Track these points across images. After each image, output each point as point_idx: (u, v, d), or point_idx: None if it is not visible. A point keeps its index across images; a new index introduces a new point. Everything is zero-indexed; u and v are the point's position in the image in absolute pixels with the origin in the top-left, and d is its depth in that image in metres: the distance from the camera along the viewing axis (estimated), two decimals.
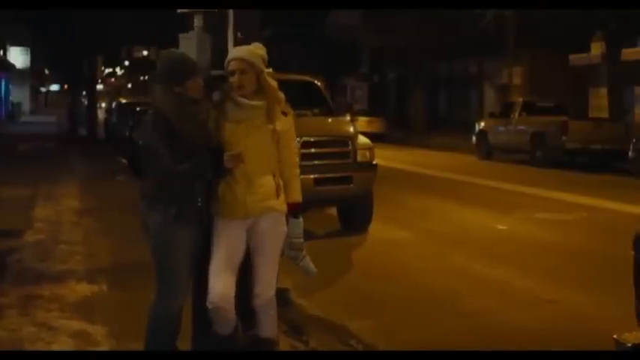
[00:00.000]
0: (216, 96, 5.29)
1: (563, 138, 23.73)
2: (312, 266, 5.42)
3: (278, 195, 5.21)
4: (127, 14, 34.35)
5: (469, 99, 42.65)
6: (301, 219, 5.35)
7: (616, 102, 27.55)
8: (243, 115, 5.17)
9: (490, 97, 40.44)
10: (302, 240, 5.35)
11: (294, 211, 5.30)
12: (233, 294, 5.14)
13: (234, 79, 5.17)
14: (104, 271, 8.64)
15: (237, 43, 7.80)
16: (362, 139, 11.70)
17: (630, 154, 21.45)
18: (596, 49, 31.23)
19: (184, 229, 5.09)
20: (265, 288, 5.24)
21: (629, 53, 27.63)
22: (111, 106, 37.90)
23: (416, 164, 24.20)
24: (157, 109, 5.14)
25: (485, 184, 18.97)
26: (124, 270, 8.79)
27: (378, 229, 11.83)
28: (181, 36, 7.70)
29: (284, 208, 5.25)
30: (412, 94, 44.28)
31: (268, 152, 5.20)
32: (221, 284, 5.10)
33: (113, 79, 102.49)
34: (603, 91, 31.40)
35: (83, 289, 7.87)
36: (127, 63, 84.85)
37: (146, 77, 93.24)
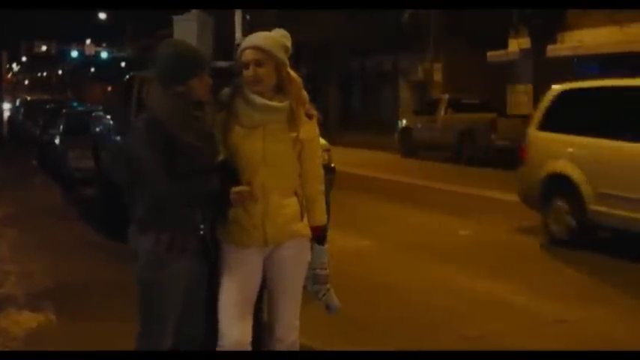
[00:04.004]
0: (224, 93, 4.27)
1: (492, 135, 23.28)
2: (335, 300, 4.51)
3: (302, 217, 4.27)
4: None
5: (383, 96, 42.15)
6: (326, 246, 4.42)
7: (540, 99, 27.30)
8: (258, 119, 4.17)
9: (405, 94, 40.06)
10: (327, 271, 4.43)
11: (318, 236, 4.36)
12: (250, 339, 4.17)
13: (248, 73, 4.17)
14: (47, 296, 7.53)
15: (245, 28, 6.69)
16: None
17: None
18: (514, 45, 31.03)
19: (179, 261, 4.10)
20: (288, 330, 4.30)
21: (550, 50, 27.43)
22: (15, 103, 36.09)
23: (341, 163, 23.34)
24: (152, 113, 4.12)
25: (421, 184, 18.31)
26: (69, 293, 7.72)
27: (336, 238, 10.73)
28: (176, 19, 6.52)
29: (308, 232, 4.31)
30: (324, 90, 43.51)
31: (290, 165, 4.24)
32: (237, 329, 4.13)
33: (10, 76, 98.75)
34: (521, 87, 31.29)
35: (27, 319, 6.76)
36: (24, 59, 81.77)
37: (44, 74, 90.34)
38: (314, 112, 4.35)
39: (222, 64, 4.25)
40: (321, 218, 4.37)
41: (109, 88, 63.77)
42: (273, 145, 4.16)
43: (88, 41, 59.57)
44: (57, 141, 18.54)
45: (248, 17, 7.02)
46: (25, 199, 14.52)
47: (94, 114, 15.00)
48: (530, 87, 28.76)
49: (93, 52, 58.30)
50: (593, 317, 7.24)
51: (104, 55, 58.95)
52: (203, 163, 4.10)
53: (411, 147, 26.96)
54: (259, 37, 4.26)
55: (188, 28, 5.97)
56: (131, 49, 57.12)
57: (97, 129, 13.85)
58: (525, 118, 24.90)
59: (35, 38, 57.97)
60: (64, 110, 21.01)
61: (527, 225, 12.47)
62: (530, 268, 9.31)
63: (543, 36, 26.88)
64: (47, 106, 25.61)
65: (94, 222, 11.93)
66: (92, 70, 71.26)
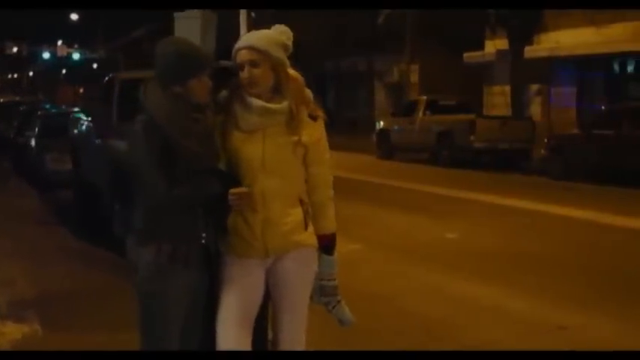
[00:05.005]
0: (222, 95, 4.03)
1: (471, 137, 23.19)
2: (348, 313, 4.25)
3: (307, 226, 4.03)
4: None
5: (358, 98, 42.02)
6: (335, 256, 4.18)
7: (518, 100, 27.30)
8: (257, 122, 3.93)
9: (380, 95, 39.96)
10: (336, 282, 4.20)
11: (326, 245, 4.12)
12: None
13: (243, 75, 3.94)
14: (30, 305, 7.28)
15: (250, 25, 6.41)
16: None
17: (542, 152, 21.10)
18: (490, 47, 31.01)
19: (182, 273, 3.86)
20: (293, 346, 4.05)
21: (528, 51, 27.41)
22: None
23: None
24: (149, 116, 3.88)
25: (402, 186, 18.19)
26: (53, 302, 7.48)
27: None
28: (177, 15, 6.20)
29: (314, 242, 4.07)
30: None
31: (293, 171, 4.00)
32: (235, 344, 3.89)
33: None
34: (497, 89, 31.25)
35: (12, 331, 6.50)
36: None
37: (15, 75, 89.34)
38: (319, 112, 4.12)
39: (227, 63, 3.98)
40: (329, 226, 4.13)
41: (81, 90, 63.28)
42: (274, 149, 3.94)
43: (60, 42, 58.90)
44: (32, 143, 18.20)
45: (253, 15, 6.75)
46: (2, 203, 14.20)
47: (72, 116, 14.71)
48: (506, 88, 28.76)
49: (65, 54, 57.61)
50: (595, 323, 7.07)
51: (76, 56, 58.29)
52: (203, 169, 3.89)
53: (388, 149, 26.84)
54: (254, 36, 4.03)
55: (190, 26, 5.67)
56: (103, 50, 56.56)
57: (75, 131, 13.57)
58: (504, 120, 25.03)
59: (6, 39, 57.22)
60: (39, 112, 20.67)
61: (513, 227, 12.38)
62: (522, 272, 9.16)
63: (521, 37, 26.85)
64: (21, 108, 25.20)
65: (73, 226, 11.68)
66: (64, 71, 70.54)
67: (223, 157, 3.97)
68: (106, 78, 12.02)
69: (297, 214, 4.00)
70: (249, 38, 4.04)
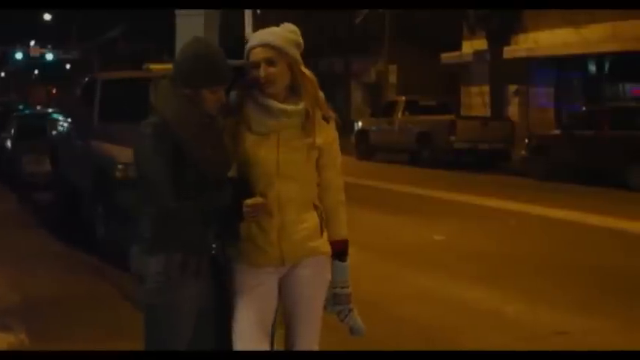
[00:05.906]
0: (232, 97, 3.83)
1: (452, 137, 23.15)
2: (359, 322, 4.07)
3: (322, 232, 3.86)
4: None
5: (335, 98, 41.86)
6: (348, 262, 4.02)
7: (497, 101, 27.27)
8: (272, 125, 3.74)
9: (356, 96, 39.86)
10: (349, 290, 4.03)
11: (339, 251, 3.96)
12: None
13: (259, 73, 3.73)
14: (15, 314, 7.02)
15: (255, 23, 6.20)
16: None
17: (523, 152, 21.07)
18: (468, 47, 30.99)
19: (191, 283, 3.66)
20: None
21: (507, 51, 27.40)
22: None
23: None
24: (160, 118, 3.66)
25: (384, 187, 18.08)
26: (39, 310, 7.20)
27: None
28: (179, 13, 5.96)
29: (329, 249, 3.89)
30: None
31: (307, 175, 3.81)
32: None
33: None
34: (474, 89, 31.26)
35: None
36: None
37: None
38: (332, 113, 3.94)
39: (234, 62, 3.77)
40: (341, 231, 3.99)
41: (54, 90, 62.72)
42: (289, 153, 3.75)
43: (33, 43, 58.31)
44: (8, 145, 17.91)
45: (259, 12, 6.52)
46: None
47: (50, 117, 14.46)
48: (484, 88, 28.78)
49: (38, 54, 57.01)
50: (594, 328, 6.94)
51: (49, 56, 57.71)
52: (215, 175, 3.68)
53: (368, 149, 26.75)
54: (268, 33, 3.83)
55: (193, 24, 5.44)
56: (77, 50, 56.05)
57: (54, 132, 13.32)
58: (485, 120, 24.99)
59: None
60: (14, 113, 20.37)
61: (500, 228, 12.28)
62: (514, 274, 9.04)
63: (499, 37, 26.83)
64: None
65: (54, 229, 11.43)
66: (36, 72, 69.98)
67: (235, 161, 3.78)
68: (87, 78, 11.80)
69: (312, 219, 3.83)
70: (264, 35, 3.84)
